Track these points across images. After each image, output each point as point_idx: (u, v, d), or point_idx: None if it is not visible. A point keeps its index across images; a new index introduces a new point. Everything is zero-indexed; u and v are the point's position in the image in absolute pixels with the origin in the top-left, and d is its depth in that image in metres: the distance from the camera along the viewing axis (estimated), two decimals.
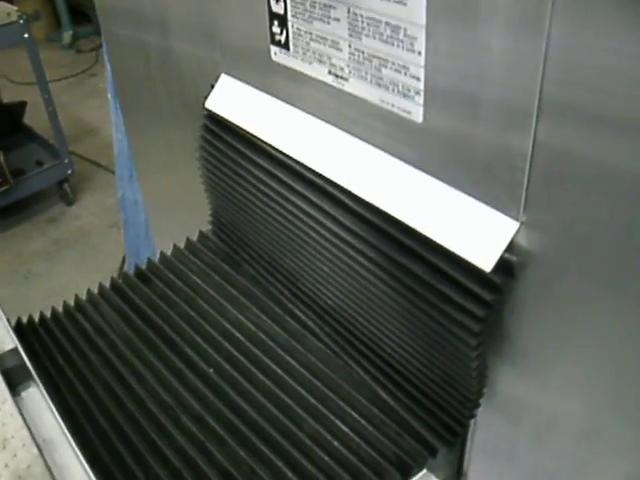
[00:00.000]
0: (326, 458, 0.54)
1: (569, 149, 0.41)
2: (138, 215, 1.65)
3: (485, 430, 0.59)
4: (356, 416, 0.57)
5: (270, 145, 0.62)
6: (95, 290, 0.75)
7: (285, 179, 0.60)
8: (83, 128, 3.00)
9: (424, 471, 0.56)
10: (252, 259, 0.71)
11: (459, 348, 0.49)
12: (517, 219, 0.46)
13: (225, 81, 0.69)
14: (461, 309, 0.47)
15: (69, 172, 2.48)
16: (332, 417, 0.57)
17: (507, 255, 0.46)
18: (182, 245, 0.78)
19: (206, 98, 0.69)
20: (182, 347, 0.65)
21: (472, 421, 0.59)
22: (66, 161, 2.44)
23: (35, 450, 0.50)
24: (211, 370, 0.63)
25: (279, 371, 0.60)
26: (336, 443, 0.55)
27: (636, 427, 0.46)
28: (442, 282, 0.48)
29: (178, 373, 0.62)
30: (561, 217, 0.43)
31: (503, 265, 0.46)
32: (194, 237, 0.79)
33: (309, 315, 0.65)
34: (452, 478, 0.63)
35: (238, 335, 0.65)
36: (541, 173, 0.43)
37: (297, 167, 0.59)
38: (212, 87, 0.70)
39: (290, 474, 0.53)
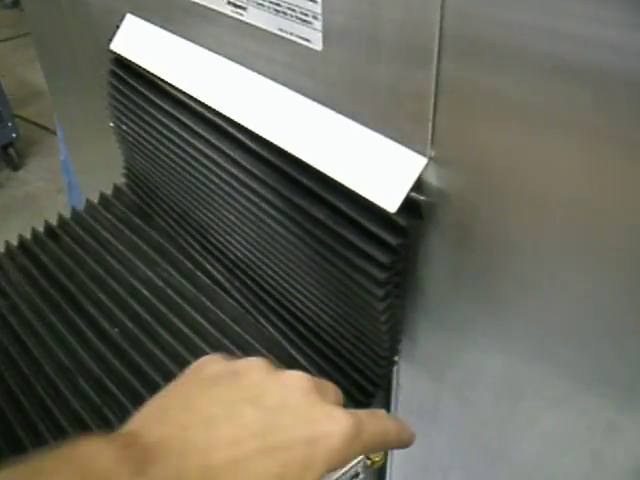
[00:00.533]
0: None
1: (474, 84, 0.37)
2: None
3: (409, 389, 0.55)
4: None
5: (173, 87, 0.57)
6: (1, 249, 0.70)
7: (188, 122, 0.55)
8: (30, 90, 2.89)
9: None
10: (163, 211, 0.67)
11: (366, 299, 0.45)
12: (425, 154, 0.41)
13: (130, 21, 0.63)
14: (365, 255, 0.43)
15: (14, 136, 2.39)
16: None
17: (415, 194, 0.42)
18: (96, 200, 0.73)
19: (111, 40, 0.64)
20: (86, 307, 0.60)
21: (395, 380, 0.55)
22: (10, 124, 2.36)
23: None
24: (116, 330, 0.58)
25: (186, 330, 0.56)
26: None
27: (559, 380, 0.43)
28: (344, 226, 0.44)
29: (80, 334, 0.58)
30: (471, 152, 0.40)
31: (410, 206, 0.42)
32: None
33: (219, 269, 0.60)
34: None
35: (146, 292, 0.60)
36: (447, 106, 0.39)
37: (199, 108, 0.54)
38: (117, 28, 0.64)
39: None
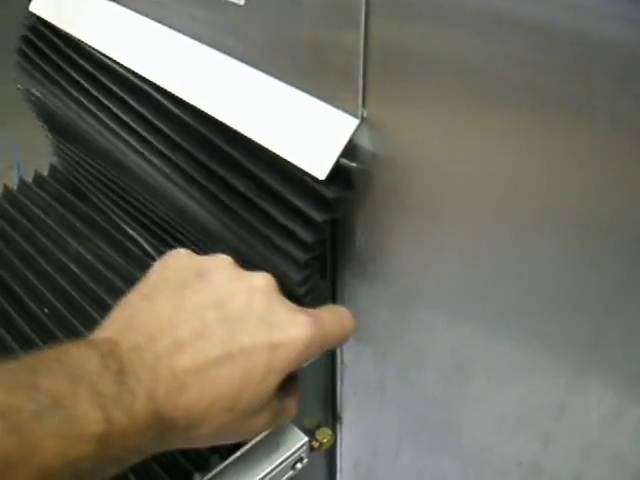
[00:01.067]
0: None
1: (406, 37, 0.33)
2: None
3: (353, 368, 0.52)
4: None
5: (91, 47, 0.52)
6: None
7: (107, 84, 0.51)
8: None
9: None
10: (92, 185, 0.62)
11: (285, 283, 0.41)
12: (356, 116, 0.38)
13: None
14: (286, 233, 0.40)
15: None
16: None
17: (345, 161, 0.39)
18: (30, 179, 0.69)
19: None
20: (13, 287, 0.57)
21: (339, 359, 0.52)
22: None
23: None
24: (45, 310, 0.54)
25: (106, 297, 0.53)
26: None
27: (508, 360, 0.40)
28: (265, 199, 0.40)
29: (7, 316, 0.54)
30: (405, 112, 0.36)
31: (339, 175, 0.38)
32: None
33: (150, 241, 0.57)
34: (328, 422, 0.57)
35: (76, 269, 0.56)
36: (378, 62, 0.35)
37: (119, 70, 0.50)
38: None
39: None
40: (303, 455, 0.50)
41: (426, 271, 0.41)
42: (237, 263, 0.38)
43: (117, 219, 0.59)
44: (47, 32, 0.57)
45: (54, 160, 0.69)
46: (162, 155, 0.46)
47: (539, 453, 0.42)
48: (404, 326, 0.45)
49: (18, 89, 0.63)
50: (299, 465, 0.50)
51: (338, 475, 0.61)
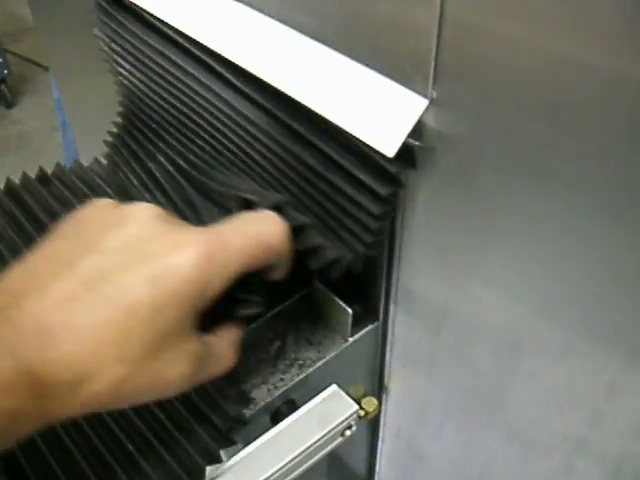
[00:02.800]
0: None
1: (480, 19, 0.34)
2: None
3: (404, 341, 0.54)
4: None
5: (162, 22, 0.53)
6: None
7: (176, 59, 0.52)
8: (22, 25, 2.82)
9: (334, 387, 0.51)
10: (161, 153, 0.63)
11: (356, 248, 0.43)
12: (426, 96, 0.39)
13: None
14: (357, 205, 0.41)
15: (5, 72, 2.34)
16: None
17: (410, 140, 0.40)
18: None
19: None
20: None
21: (390, 331, 0.54)
22: (1, 60, 2.30)
23: None
24: None
25: None
26: None
27: (561, 337, 0.41)
28: (335, 172, 0.41)
29: None
30: (476, 94, 0.37)
31: (404, 153, 0.39)
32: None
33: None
34: (374, 392, 0.59)
35: None
36: (450, 46, 0.36)
37: (188, 44, 0.51)
38: None
39: None
40: (352, 423, 0.52)
41: (485, 250, 0.42)
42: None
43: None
44: (113, 3, 0.58)
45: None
46: (240, 127, 0.47)
47: (587, 431, 0.43)
48: (459, 302, 0.46)
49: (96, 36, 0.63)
50: (348, 432, 0.52)
51: (380, 443, 0.63)
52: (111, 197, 0.60)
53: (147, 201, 0.43)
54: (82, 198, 0.62)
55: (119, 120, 0.65)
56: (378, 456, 0.64)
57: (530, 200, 0.37)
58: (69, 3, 0.80)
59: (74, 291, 0.31)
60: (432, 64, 0.37)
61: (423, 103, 0.39)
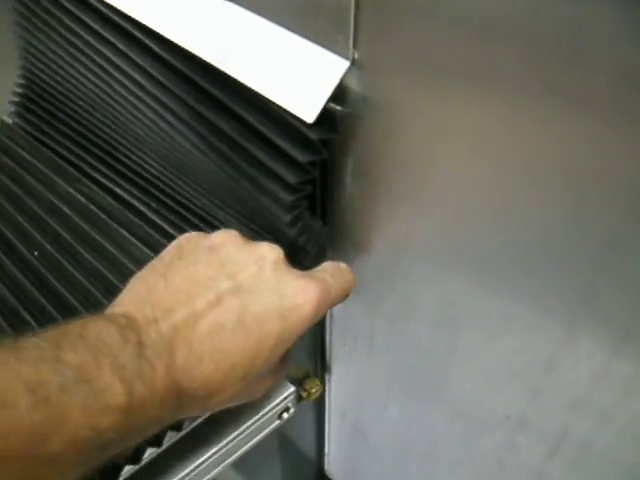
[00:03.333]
0: None
1: None
2: None
3: (343, 319, 0.52)
4: None
5: None
6: None
7: (92, 24, 0.49)
8: None
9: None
10: (76, 124, 0.61)
11: (276, 224, 0.41)
12: (347, 57, 0.36)
13: None
14: (272, 175, 0.39)
15: None
16: None
17: (332, 105, 0.37)
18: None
19: None
20: (2, 231, 0.56)
21: (330, 310, 0.52)
22: None
23: None
24: (35, 254, 0.54)
25: (110, 247, 0.52)
26: None
27: (498, 313, 0.39)
28: (251, 141, 0.39)
29: None
30: (398, 55, 0.34)
31: (324, 118, 0.37)
32: None
33: (136, 185, 0.55)
34: (317, 372, 0.57)
35: (66, 210, 0.55)
36: (370, 3, 0.34)
37: (103, 8, 0.48)
38: None
39: None
40: (290, 405, 0.50)
41: (418, 220, 0.40)
42: (242, 234, 0.39)
43: (102, 166, 0.58)
44: None
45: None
46: (150, 96, 0.44)
47: (527, 407, 0.41)
48: (395, 276, 0.44)
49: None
50: (285, 415, 0.50)
51: (326, 424, 0.61)
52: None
53: None
54: (10, 174, 0.60)
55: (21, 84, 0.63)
56: (326, 437, 0.62)
57: (459, 166, 0.35)
58: None
59: (220, 318, 0.35)
60: (352, 23, 0.35)
61: (344, 65, 0.36)
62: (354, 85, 0.37)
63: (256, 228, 0.44)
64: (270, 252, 0.38)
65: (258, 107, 0.38)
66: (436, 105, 0.34)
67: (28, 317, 0.49)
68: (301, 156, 0.37)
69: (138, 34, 0.45)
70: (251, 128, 0.39)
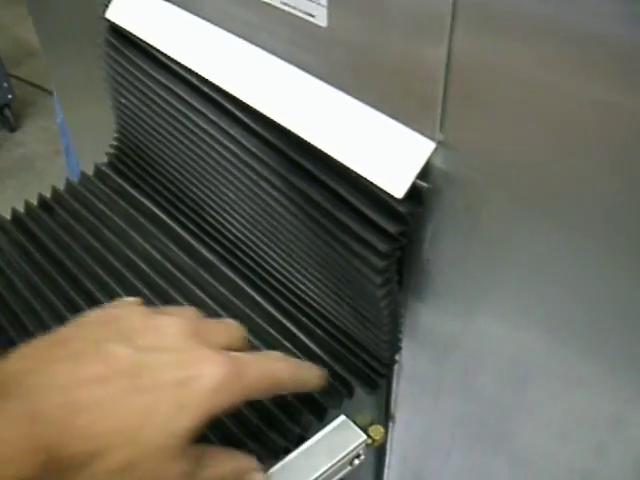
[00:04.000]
0: None
1: (489, 60, 0.35)
2: None
3: (410, 369, 0.55)
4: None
5: (171, 59, 0.55)
6: None
7: (186, 96, 0.53)
8: (25, 50, 2.84)
9: (342, 418, 0.52)
10: (160, 185, 0.65)
11: (365, 285, 0.44)
12: (433, 139, 0.40)
13: None
14: (364, 242, 0.42)
15: (9, 97, 2.36)
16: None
17: (418, 181, 0.41)
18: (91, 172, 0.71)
19: (107, 7, 0.62)
20: (83, 282, 0.59)
21: (398, 362, 0.54)
22: (5, 85, 2.32)
23: None
24: None
25: (186, 304, 0.55)
26: None
27: (567, 369, 0.42)
28: (343, 210, 0.42)
29: (77, 311, 0.57)
30: (482, 136, 0.38)
31: (412, 193, 0.41)
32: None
33: (218, 245, 0.59)
34: (380, 420, 0.60)
35: (143, 266, 0.59)
36: (459, 85, 0.37)
37: (198, 82, 0.52)
38: None
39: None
40: (361, 452, 0.53)
41: (490, 285, 0.43)
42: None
43: (186, 222, 0.62)
44: (122, 39, 0.60)
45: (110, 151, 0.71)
46: (242, 163, 0.48)
47: (592, 462, 0.44)
48: (464, 333, 0.47)
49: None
50: (357, 461, 0.53)
51: (386, 470, 0.63)
52: (121, 227, 0.62)
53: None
54: (90, 228, 0.64)
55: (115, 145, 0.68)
56: None
57: (533, 238, 0.39)
58: (76, 28, 0.81)
59: (106, 376, 0.33)
60: (439, 108, 0.39)
61: (430, 146, 0.40)
62: (438, 163, 0.41)
63: (336, 290, 0.48)
64: (177, 322, 0.37)
65: (349, 180, 0.42)
66: (510, 184, 0.38)
67: None
68: (392, 227, 0.40)
69: (230, 106, 0.49)
70: (342, 198, 0.42)
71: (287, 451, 0.49)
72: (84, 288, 0.59)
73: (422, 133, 0.40)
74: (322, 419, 0.50)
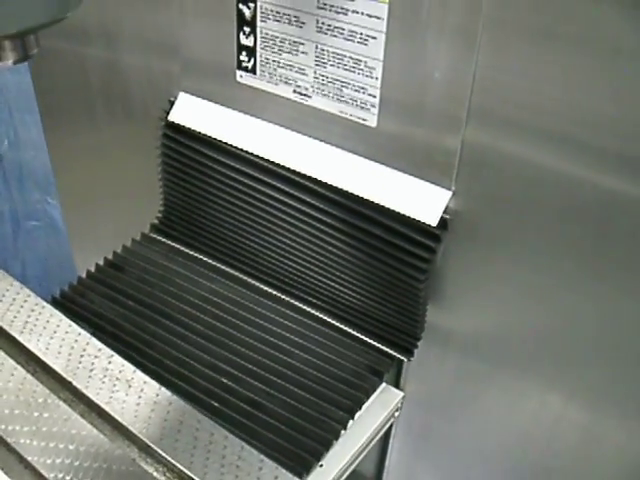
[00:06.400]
0: (316, 373, 0.74)
1: (488, 144, 0.62)
2: (4, 227, 1.70)
3: (418, 353, 0.80)
4: (325, 351, 0.77)
5: (236, 147, 0.78)
6: (74, 281, 0.87)
7: (253, 173, 0.77)
8: None
9: (384, 385, 0.77)
10: (209, 247, 0.88)
11: (412, 284, 0.70)
12: (450, 189, 0.67)
13: (185, 97, 0.83)
14: (413, 255, 0.68)
15: None
16: (313, 346, 0.77)
17: (444, 215, 0.68)
18: (137, 238, 0.92)
19: (168, 112, 0.84)
20: (175, 316, 0.80)
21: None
22: None
23: None
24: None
25: (261, 321, 0.79)
26: (321, 363, 0.75)
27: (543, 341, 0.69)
28: (396, 237, 0.69)
29: (180, 336, 0.78)
30: (482, 188, 0.65)
31: (441, 222, 0.67)
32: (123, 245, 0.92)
33: (272, 281, 0.84)
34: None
35: (217, 300, 0.81)
36: (468, 159, 0.64)
37: (264, 162, 0.76)
38: (170, 101, 0.84)
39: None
40: (400, 405, 0.78)
41: (484, 287, 0.70)
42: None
43: (240, 272, 0.86)
44: (182, 134, 0.83)
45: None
46: (314, 219, 0.73)
47: None
48: (462, 321, 0.74)
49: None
50: (397, 413, 0.77)
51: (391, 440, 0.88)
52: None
53: None
54: (161, 277, 0.85)
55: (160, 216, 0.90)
56: None
57: (517, 257, 0.66)
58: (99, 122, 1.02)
59: None
60: (455, 172, 0.66)
61: (448, 194, 0.67)
62: (451, 204, 0.67)
63: (382, 295, 0.73)
64: None
65: (398, 219, 0.68)
66: (498, 215, 0.65)
67: (224, 367, 0.74)
68: (431, 243, 0.67)
69: (296, 178, 0.73)
70: (396, 231, 0.68)
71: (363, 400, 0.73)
72: (177, 320, 0.80)
73: (443, 187, 0.67)
74: (381, 379, 0.74)
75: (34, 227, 1.70)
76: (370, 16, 0.62)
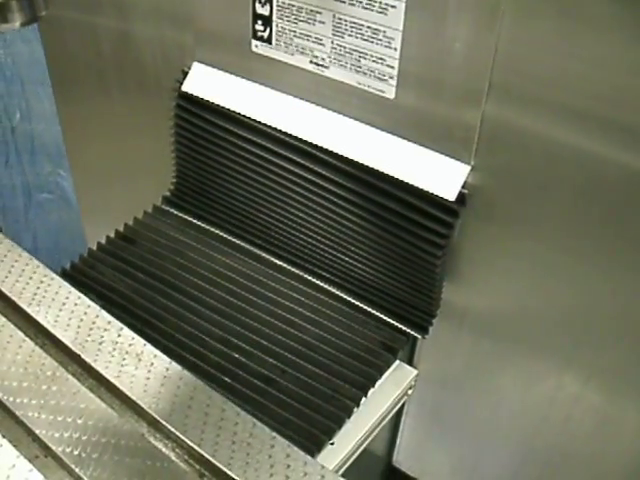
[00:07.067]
0: (329, 350, 0.73)
1: (507, 119, 0.61)
2: (16, 200, 1.70)
3: (432, 331, 0.79)
4: (338, 327, 0.76)
5: (250, 118, 0.77)
6: (84, 253, 0.86)
7: (268, 145, 0.76)
8: None
9: (397, 362, 0.76)
10: (221, 220, 0.87)
11: (428, 260, 0.68)
12: (469, 164, 0.65)
13: (199, 67, 0.82)
14: (429, 230, 0.67)
15: None
16: (326, 322, 0.76)
17: (462, 189, 0.66)
18: (149, 209, 0.91)
19: (181, 83, 0.82)
20: (187, 289, 0.79)
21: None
22: None
23: None
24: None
25: (273, 296, 0.78)
26: (334, 339, 0.74)
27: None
28: (413, 212, 0.67)
29: (192, 310, 0.77)
30: (501, 164, 0.64)
31: (459, 197, 0.66)
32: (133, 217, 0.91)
33: (284, 254, 0.83)
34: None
35: (230, 274, 0.80)
36: (488, 134, 0.63)
37: (278, 134, 0.75)
38: (183, 72, 0.83)
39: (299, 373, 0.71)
40: (413, 383, 0.76)
41: (500, 262, 0.69)
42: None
43: (252, 244, 0.84)
44: (195, 104, 0.81)
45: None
46: (330, 192, 0.71)
47: None
48: (478, 299, 0.72)
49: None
50: (410, 391, 0.76)
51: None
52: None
53: None
54: (173, 250, 0.84)
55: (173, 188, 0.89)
56: None
57: (529, 230, 0.65)
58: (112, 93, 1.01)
59: None
60: (474, 146, 0.64)
61: (467, 168, 0.65)
62: (470, 179, 0.66)
63: (397, 271, 0.72)
64: None
65: (416, 193, 0.66)
66: (514, 189, 0.64)
67: (236, 341, 0.74)
68: (449, 218, 0.65)
69: (313, 150, 0.72)
70: (413, 205, 0.67)
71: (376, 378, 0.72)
72: (189, 293, 0.79)
73: (462, 161, 0.65)
74: (395, 356, 0.73)
75: (46, 200, 1.69)
76: None
